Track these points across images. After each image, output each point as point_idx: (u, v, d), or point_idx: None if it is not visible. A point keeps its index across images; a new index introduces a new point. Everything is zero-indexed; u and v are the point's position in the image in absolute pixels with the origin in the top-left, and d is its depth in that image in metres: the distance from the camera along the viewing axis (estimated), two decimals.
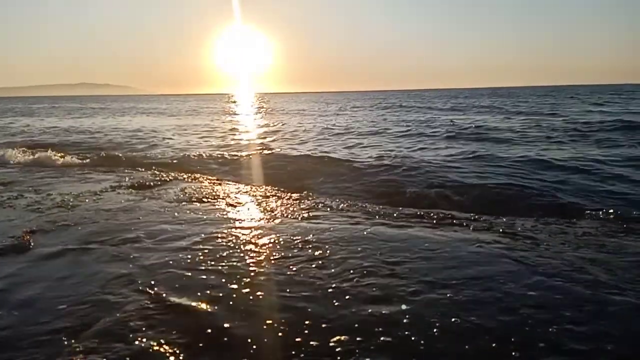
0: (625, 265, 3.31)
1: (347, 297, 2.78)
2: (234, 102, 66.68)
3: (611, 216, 4.71)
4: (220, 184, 6.90)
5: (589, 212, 4.90)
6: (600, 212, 4.84)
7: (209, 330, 2.40)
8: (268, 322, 2.49)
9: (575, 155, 8.89)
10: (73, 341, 2.29)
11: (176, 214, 4.85)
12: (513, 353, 2.18)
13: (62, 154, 10.37)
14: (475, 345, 2.25)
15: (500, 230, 4.23)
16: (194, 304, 2.70)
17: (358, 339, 2.30)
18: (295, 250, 3.61)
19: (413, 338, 2.31)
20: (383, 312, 2.58)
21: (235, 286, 2.94)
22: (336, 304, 2.69)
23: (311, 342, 2.28)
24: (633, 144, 10.11)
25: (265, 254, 3.56)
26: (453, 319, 2.49)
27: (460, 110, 26.29)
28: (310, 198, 5.76)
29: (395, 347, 2.25)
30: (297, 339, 2.31)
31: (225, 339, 2.33)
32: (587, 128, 13.97)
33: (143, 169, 8.46)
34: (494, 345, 2.25)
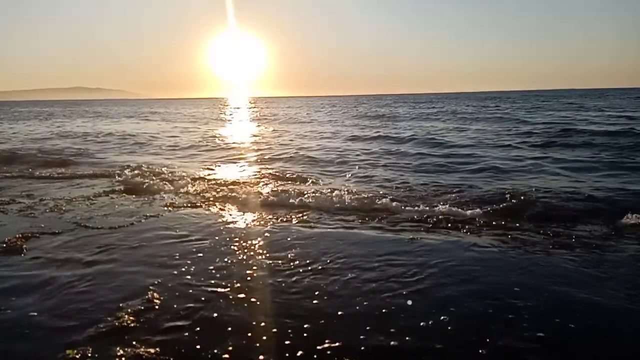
0: (614, 267, 3.35)
1: (344, 297, 2.80)
2: (214, 106, 63.86)
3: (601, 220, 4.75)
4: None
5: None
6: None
7: (205, 334, 2.40)
8: (266, 325, 2.49)
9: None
10: (67, 345, 2.27)
11: (170, 218, 4.84)
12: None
13: None
14: (469, 342, 2.28)
15: (494, 233, 4.26)
16: (190, 307, 2.69)
17: (360, 336, 2.32)
18: (291, 254, 3.62)
19: (416, 332, 2.34)
20: (383, 312, 2.60)
21: (230, 289, 2.94)
22: (335, 303, 2.71)
23: (310, 343, 2.29)
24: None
25: (263, 256, 3.56)
26: (441, 317, 2.51)
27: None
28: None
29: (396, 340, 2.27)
30: (300, 342, 2.32)
31: (222, 341, 2.33)
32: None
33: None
34: (484, 339, 2.28)
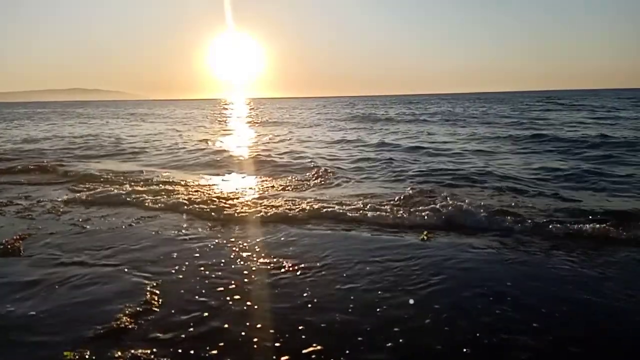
0: (611, 269, 3.37)
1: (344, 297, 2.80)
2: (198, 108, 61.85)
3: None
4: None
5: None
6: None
7: (203, 333, 2.40)
8: (264, 328, 2.49)
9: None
10: (65, 347, 2.27)
11: (167, 220, 4.83)
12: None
13: None
14: (469, 342, 2.28)
15: (491, 234, 4.27)
16: (188, 310, 2.69)
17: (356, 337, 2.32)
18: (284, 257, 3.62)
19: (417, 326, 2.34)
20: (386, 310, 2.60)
21: (228, 291, 2.94)
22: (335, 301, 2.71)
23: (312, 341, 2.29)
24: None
25: (261, 258, 3.56)
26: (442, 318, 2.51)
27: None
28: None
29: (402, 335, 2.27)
30: (298, 343, 2.32)
31: (220, 343, 2.33)
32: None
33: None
34: (477, 336, 2.29)
